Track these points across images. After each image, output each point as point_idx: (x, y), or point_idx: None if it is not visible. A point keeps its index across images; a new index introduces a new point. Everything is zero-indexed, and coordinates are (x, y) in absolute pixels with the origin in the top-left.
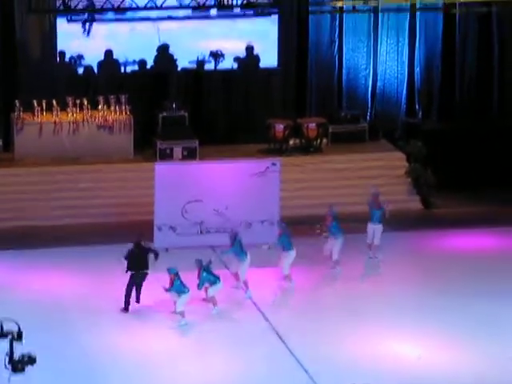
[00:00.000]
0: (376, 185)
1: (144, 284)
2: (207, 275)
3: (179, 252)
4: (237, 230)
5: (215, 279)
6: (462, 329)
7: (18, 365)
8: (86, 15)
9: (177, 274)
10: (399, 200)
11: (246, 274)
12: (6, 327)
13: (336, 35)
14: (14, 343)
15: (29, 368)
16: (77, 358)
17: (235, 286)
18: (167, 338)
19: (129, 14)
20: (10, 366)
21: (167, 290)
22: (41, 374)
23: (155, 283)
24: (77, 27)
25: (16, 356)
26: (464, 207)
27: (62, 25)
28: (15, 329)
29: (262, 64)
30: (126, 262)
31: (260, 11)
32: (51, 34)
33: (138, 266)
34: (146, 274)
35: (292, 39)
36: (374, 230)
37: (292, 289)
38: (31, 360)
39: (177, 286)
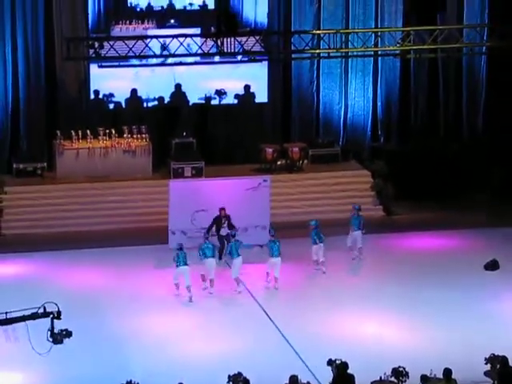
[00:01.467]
0: (347, 196)
1: (162, 277)
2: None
3: (189, 251)
4: (234, 233)
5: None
6: (414, 311)
7: (58, 337)
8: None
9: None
10: (366, 209)
11: (239, 271)
12: (48, 309)
13: (314, 76)
14: (55, 321)
15: (66, 340)
16: (106, 335)
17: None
18: (179, 321)
19: (149, 60)
20: (51, 339)
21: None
22: (77, 348)
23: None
24: (107, 71)
25: (56, 330)
26: (418, 214)
27: (94, 69)
28: (55, 310)
29: (257, 100)
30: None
31: (253, 58)
32: (86, 76)
33: None
34: None
35: (279, 80)
36: (356, 236)
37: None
38: (68, 334)
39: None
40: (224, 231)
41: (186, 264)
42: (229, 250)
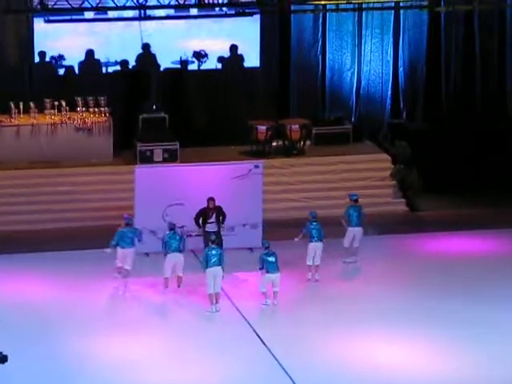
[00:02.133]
0: (360, 187)
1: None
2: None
3: (160, 257)
4: None
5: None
6: (444, 332)
7: None
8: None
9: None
10: (384, 202)
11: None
12: None
13: (319, 35)
14: None
15: (0, 367)
16: (51, 360)
17: None
18: (147, 343)
19: (110, 14)
20: None
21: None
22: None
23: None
24: (55, 27)
25: None
26: (449, 210)
27: (40, 25)
28: None
29: (246, 64)
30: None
31: (242, 11)
32: (29, 34)
33: None
34: None
35: (274, 39)
36: (355, 233)
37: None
38: (2, 358)
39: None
40: (211, 227)
41: (179, 250)
42: (205, 257)
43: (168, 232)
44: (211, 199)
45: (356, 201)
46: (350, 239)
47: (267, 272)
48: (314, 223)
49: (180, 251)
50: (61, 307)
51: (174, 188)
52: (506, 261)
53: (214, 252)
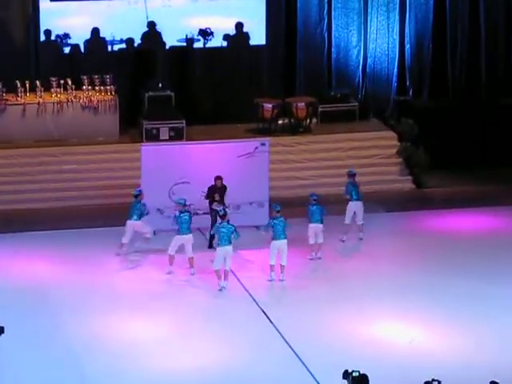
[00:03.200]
0: (367, 164)
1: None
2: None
3: (167, 235)
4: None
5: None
6: (451, 309)
7: None
8: None
9: None
10: (391, 180)
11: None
12: None
13: (325, 12)
14: None
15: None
16: (49, 337)
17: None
18: (152, 324)
19: None
20: None
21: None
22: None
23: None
24: (61, 5)
25: None
26: (456, 186)
27: (45, 3)
28: None
29: (252, 42)
30: None
31: None
32: (34, 12)
33: None
34: None
35: (280, 16)
36: (356, 208)
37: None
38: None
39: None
40: (216, 205)
41: (189, 231)
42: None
43: (180, 211)
44: (218, 178)
45: (354, 175)
46: (352, 214)
47: (274, 239)
48: (315, 206)
49: (190, 232)
50: (66, 285)
51: (180, 166)
52: None
53: (224, 230)
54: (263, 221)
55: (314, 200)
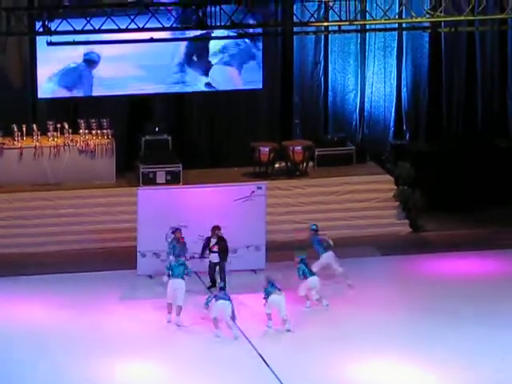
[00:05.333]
0: (363, 208)
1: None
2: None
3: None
4: None
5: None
6: (450, 354)
7: None
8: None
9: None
10: (387, 224)
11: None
12: None
13: (321, 56)
14: None
15: None
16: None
17: None
18: (150, 367)
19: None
20: None
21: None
22: None
23: (138, 311)
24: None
25: None
26: (454, 230)
27: (43, 48)
28: None
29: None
30: None
31: (243, 32)
32: (32, 58)
33: None
34: None
35: (276, 60)
36: (328, 259)
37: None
38: None
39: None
40: (214, 257)
41: (181, 276)
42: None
43: (174, 259)
44: (215, 228)
45: (316, 231)
46: (323, 266)
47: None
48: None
49: (182, 278)
50: (62, 329)
51: (177, 210)
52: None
53: (221, 302)
54: (260, 264)
55: (302, 258)
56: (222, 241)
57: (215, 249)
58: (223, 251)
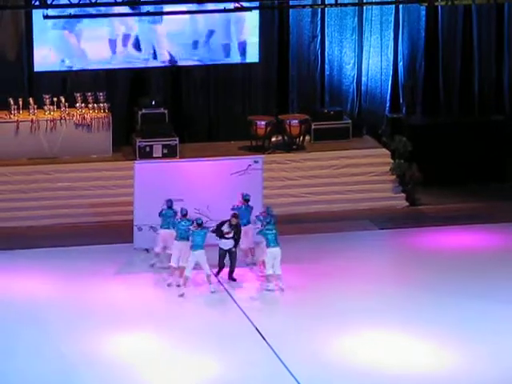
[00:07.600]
0: (359, 182)
1: (125, 286)
2: None
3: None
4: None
5: None
6: (448, 328)
7: None
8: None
9: None
10: (384, 197)
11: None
12: None
13: (318, 30)
14: None
15: None
16: (50, 357)
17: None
18: (146, 341)
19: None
20: None
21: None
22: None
23: (135, 284)
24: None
25: None
26: (450, 203)
27: (39, 21)
28: None
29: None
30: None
31: (240, 5)
32: (27, 31)
33: None
34: None
35: (273, 34)
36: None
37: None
38: None
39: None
40: (227, 244)
41: (186, 239)
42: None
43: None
44: (234, 216)
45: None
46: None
47: (267, 246)
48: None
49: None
50: (58, 303)
51: (173, 184)
52: (509, 255)
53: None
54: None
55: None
56: (237, 228)
57: (229, 235)
58: (236, 240)
